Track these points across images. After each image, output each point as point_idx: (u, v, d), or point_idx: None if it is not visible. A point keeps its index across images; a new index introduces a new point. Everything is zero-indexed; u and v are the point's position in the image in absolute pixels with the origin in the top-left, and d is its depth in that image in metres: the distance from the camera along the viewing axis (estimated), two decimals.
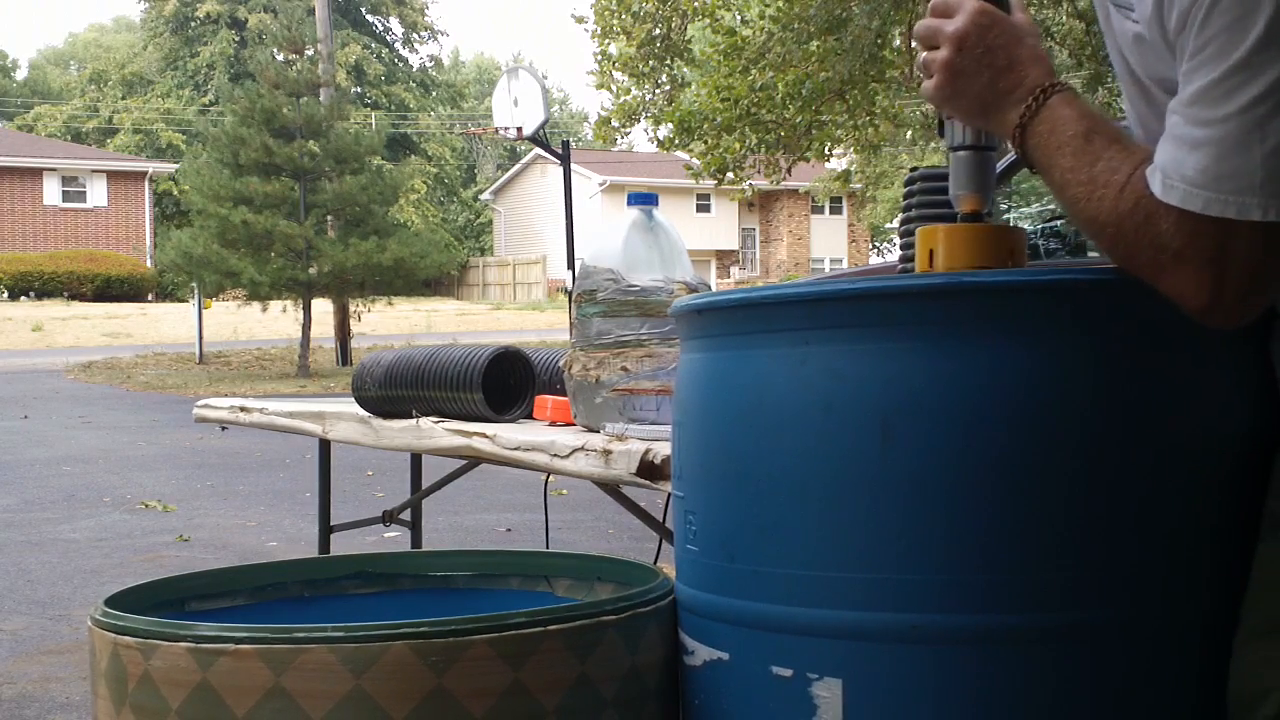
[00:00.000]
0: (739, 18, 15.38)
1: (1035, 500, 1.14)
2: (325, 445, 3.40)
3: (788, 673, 1.23)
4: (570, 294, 2.45)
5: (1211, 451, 1.18)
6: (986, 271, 1.23)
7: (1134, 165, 1.10)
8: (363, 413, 2.60)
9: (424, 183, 44.56)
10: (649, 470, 1.70)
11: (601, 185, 37.41)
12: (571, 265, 13.11)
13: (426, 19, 51.12)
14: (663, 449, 1.69)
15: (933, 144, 17.91)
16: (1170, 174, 1.05)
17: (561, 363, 2.16)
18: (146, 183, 36.15)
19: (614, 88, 17.10)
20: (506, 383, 2.41)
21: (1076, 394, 1.15)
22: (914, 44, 1.44)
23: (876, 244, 43.11)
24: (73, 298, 31.64)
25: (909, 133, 17.52)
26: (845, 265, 40.04)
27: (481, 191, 48.18)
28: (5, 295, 31.13)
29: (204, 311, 20.11)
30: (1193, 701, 1.18)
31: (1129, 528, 1.15)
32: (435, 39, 69.73)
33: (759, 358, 1.26)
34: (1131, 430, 1.15)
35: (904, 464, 1.16)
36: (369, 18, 50.64)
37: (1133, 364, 1.16)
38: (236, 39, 47.30)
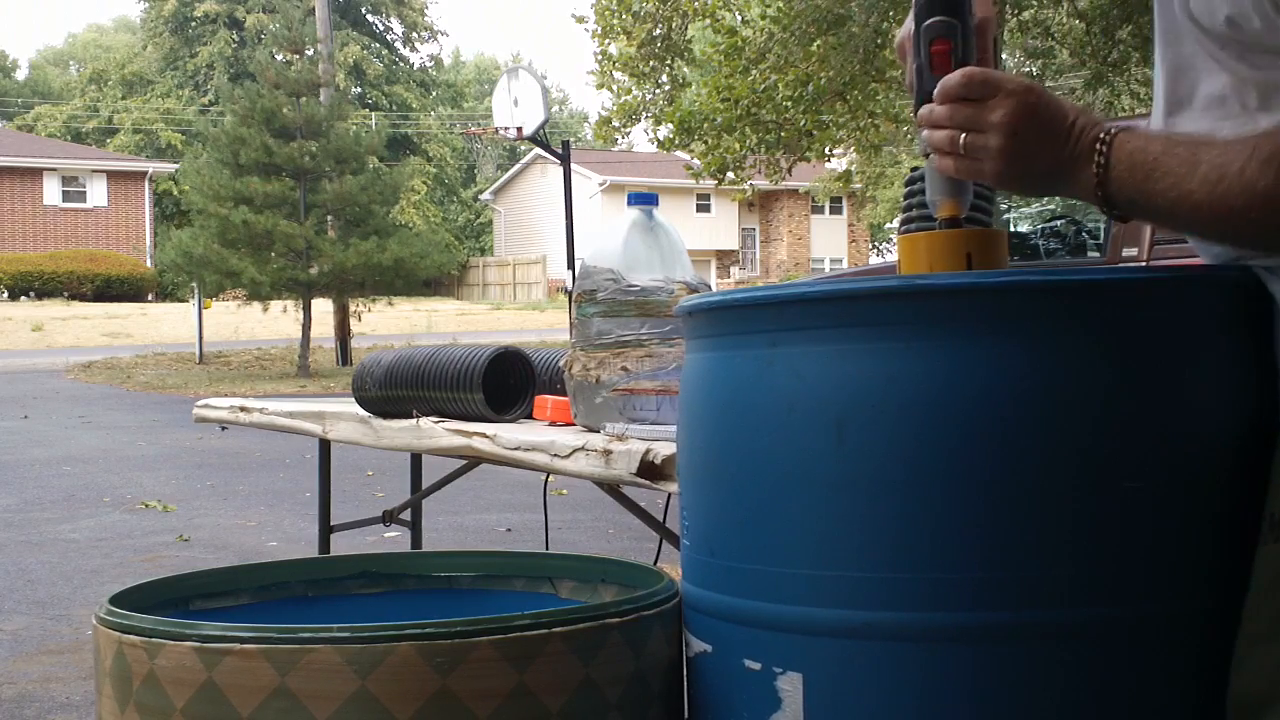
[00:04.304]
0: (739, 18, 15.39)
1: (983, 500, 1.15)
2: (325, 445, 3.40)
3: (757, 666, 1.26)
4: (570, 294, 2.46)
5: (1187, 448, 1.18)
6: (933, 275, 1.25)
7: (1245, 148, 1.08)
8: (363, 413, 2.60)
9: (424, 183, 44.56)
10: (649, 470, 1.70)
11: (601, 185, 37.41)
12: (571, 265, 13.11)
13: (426, 19, 51.15)
14: (663, 449, 1.70)
15: None
16: None
17: (561, 363, 2.16)
18: (146, 183, 36.16)
19: (614, 88, 17.10)
20: (506, 383, 2.41)
21: (1027, 394, 1.16)
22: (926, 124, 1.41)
23: (876, 244, 43.12)
24: (73, 298, 31.64)
25: (909, 132, 17.51)
26: (845, 265, 40.07)
27: (481, 191, 48.18)
28: (5, 295, 31.13)
29: (204, 311, 20.10)
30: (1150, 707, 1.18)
31: (1088, 527, 1.15)
32: (435, 39, 69.70)
33: (736, 359, 1.29)
34: (1087, 430, 1.16)
35: (857, 463, 1.19)
36: (369, 18, 50.66)
37: (1084, 365, 1.17)
38: (236, 39, 47.32)
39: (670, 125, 15.14)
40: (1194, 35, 1.17)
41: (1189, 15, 1.17)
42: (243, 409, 3.03)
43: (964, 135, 1.21)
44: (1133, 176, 1.15)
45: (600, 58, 17.13)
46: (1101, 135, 1.17)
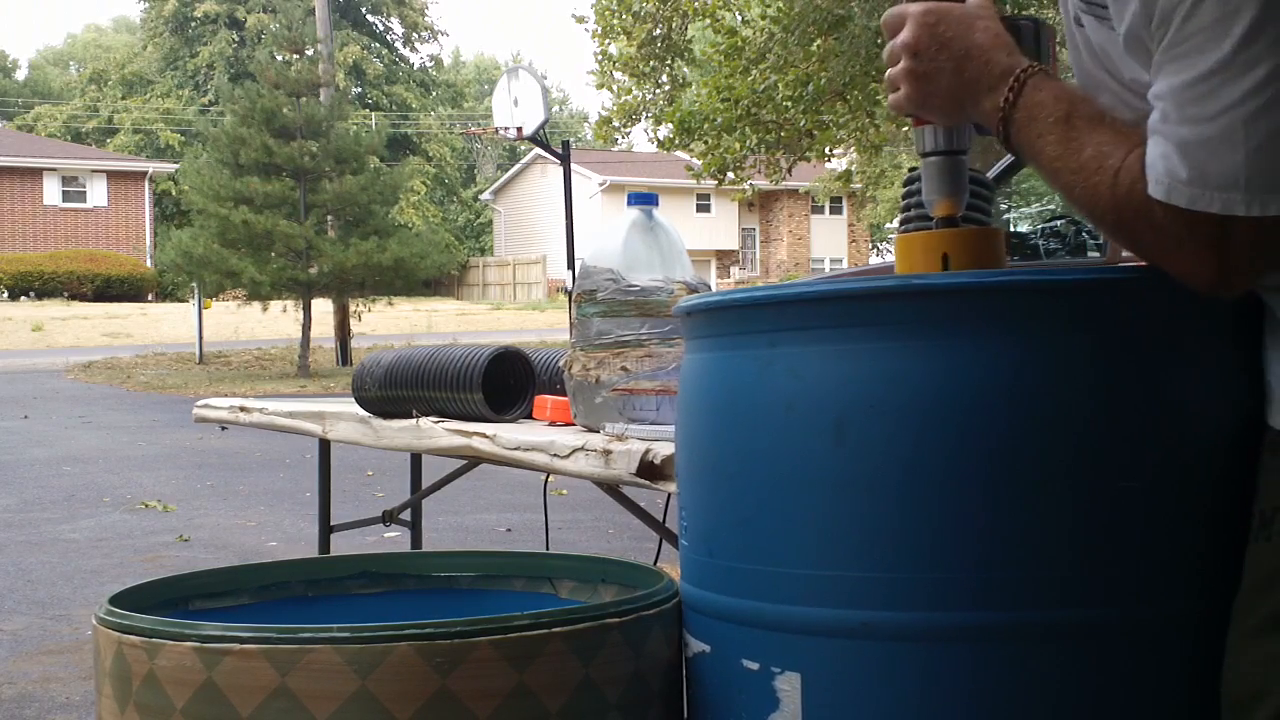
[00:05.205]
0: (739, 18, 15.38)
1: (983, 500, 1.15)
2: (325, 445, 3.40)
3: (755, 666, 1.26)
4: (570, 294, 2.46)
5: (1182, 448, 1.18)
6: (931, 275, 1.25)
7: (1124, 150, 1.10)
8: (363, 413, 2.60)
9: (423, 183, 44.54)
10: (649, 470, 1.70)
11: (601, 185, 37.40)
12: (571, 265, 13.10)
13: (426, 19, 51.10)
14: (663, 449, 1.70)
15: None
16: (1158, 168, 1.06)
17: (561, 363, 2.16)
18: (146, 183, 36.14)
19: (614, 88, 17.08)
20: (506, 383, 2.41)
21: (1025, 394, 1.16)
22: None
23: (876, 244, 43.11)
24: (73, 298, 31.63)
25: (908, 132, 17.48)
26: (845, 265, 40.05)
27: (481, 191, 48.17)
28: (5, 295, 31.12)
29: (204, 311, 20.10)
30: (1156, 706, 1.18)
31: (1085, 528, 1.15)
32: (435, 39, 69.67)
33: (735, 358, 1.30)
34: (1083, 430, 1.16)
35: (856, 463, 1.19)
36: (369, 18, 50.64)
37: (1080, 365, 1.17)
38: (236, 39, 47.30)
39: (670, 125, 15.11)
40: (1111, 88, 1.18)
41: (1106, 71, 1.18)
42: (243, 409, 3.03)
43: (889, 71, 1.24)
44: (1030, 127, 1.16)
45: (600, 58, 17.12)
46: (1016, 72, 1.17)
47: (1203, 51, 1.02)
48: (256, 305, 18.47)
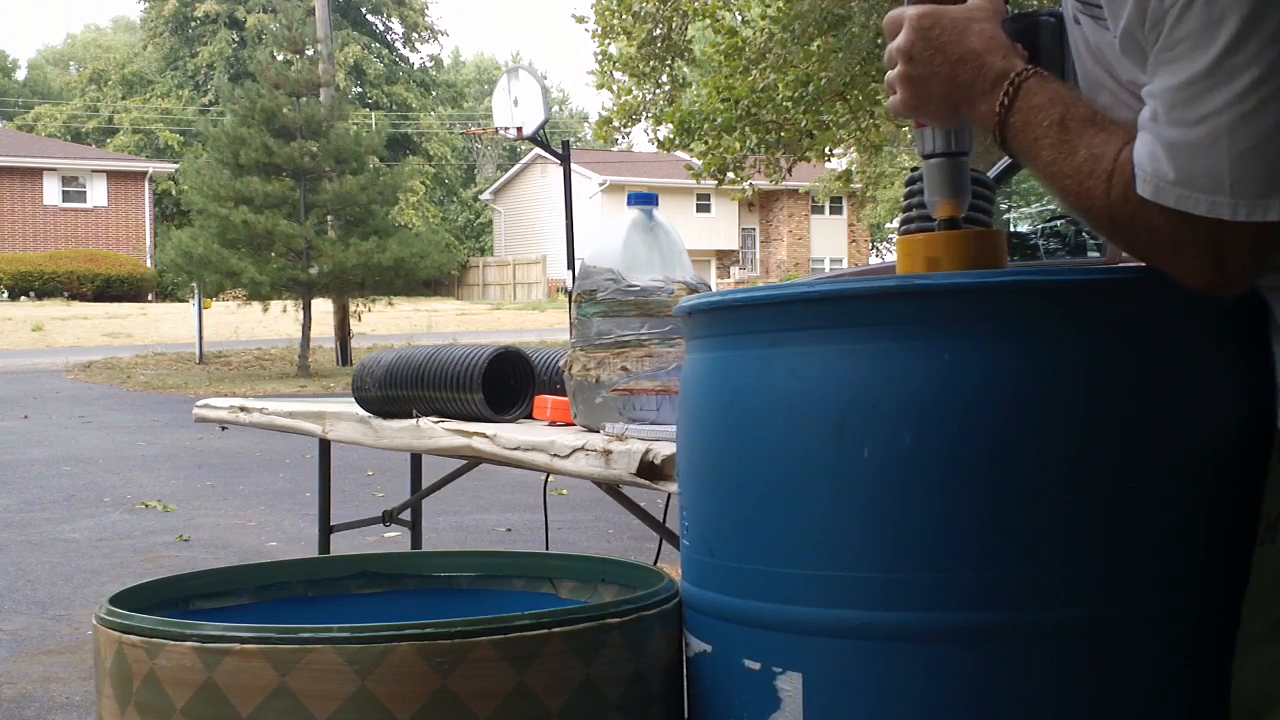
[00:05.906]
0: (739, 18, 15.38)
1: (983, 500, 1.15)
2: (325, 445, 3.41)
3: (757, 666, 1.26)
4: (570, 294, 2.46)
5: (1182, 448, 1.18)
6: (932, 275, 1.25)
7: (1116, 149, 1.10)
8: (363, 413, 2.60)
9: (423, 183, 44.53)
10: (649, 470, 1.70)
11: (601, 185, 37.41)
12: (571, 265, 13.10)
13: (427, 19, 51.13)
14: (663, 449, 1.70)
15: None
16: (1145, 168, 1.06)
17: (561, 363, 2.16)
18: (146, 183, 36.15)
19: (614, 88, 17.08)
20: (506, 383, 2.41)
21: (1026, 394, 1.16)
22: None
23: (876, 244, 43.13)
24: (73, 298, 31.63)
25: (909, 132, 17.46)
26: (845, 265, 40.04)
27: (481, 191, 48.18)
28: (5, 295, 31.13)
29: (204, 311, 20.09)
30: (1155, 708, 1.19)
31: (1086, 527, 1.15)
32: (435, 39, 69.70)
33: (735, 359, 1.30)
34: (1085, 430, 1.16)
35: (858, 463, 1.19)
36: (369, 18, 50.66)
37: (1081, 365, 1.17)
38: (236, 39, 47.31)
39: (670, 125, 15.12)
40: (1110, 88, 1.18)
41: (1104, 71, 1.18)
42: (243, 409, 3.03)
43: (888, 74, 1.25)
44: (1025, 132, 1.16)
45: (600, 58, 17.12)
46: (1010, 76, 1.17)
47: (1189, 57, 1.02)
48: (256, 305, 18.48)
